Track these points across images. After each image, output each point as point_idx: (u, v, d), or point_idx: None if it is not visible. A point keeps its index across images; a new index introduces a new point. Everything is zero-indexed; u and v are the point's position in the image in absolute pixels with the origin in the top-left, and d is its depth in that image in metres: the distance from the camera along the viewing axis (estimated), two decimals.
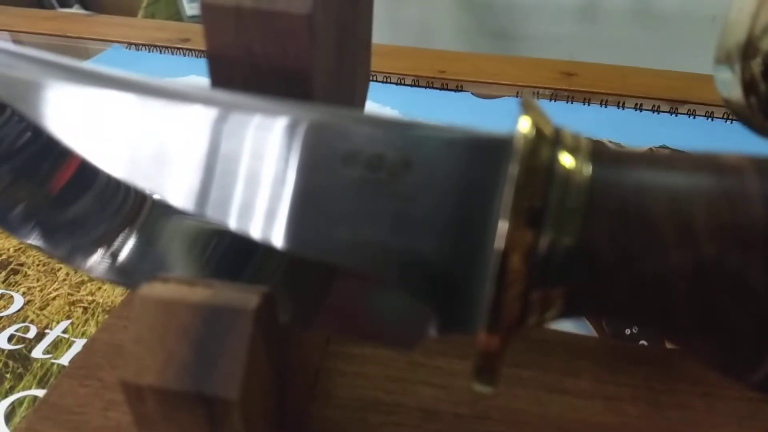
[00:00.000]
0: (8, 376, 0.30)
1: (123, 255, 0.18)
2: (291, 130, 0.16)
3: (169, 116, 0.16)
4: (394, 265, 0.15)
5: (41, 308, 0.34)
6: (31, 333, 0.32)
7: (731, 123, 0.55)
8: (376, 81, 0.63)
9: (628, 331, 0.34)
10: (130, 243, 0.18)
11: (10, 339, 0.32)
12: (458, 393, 0.25)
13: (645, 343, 0.33)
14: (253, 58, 0.18)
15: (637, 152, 0.15)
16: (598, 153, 0.14)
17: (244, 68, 0.18)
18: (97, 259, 0.18)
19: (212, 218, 0.16)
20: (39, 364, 0.30)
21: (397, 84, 0.63)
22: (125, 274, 0.17)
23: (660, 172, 0.14)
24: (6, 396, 0.29)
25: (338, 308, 0.17)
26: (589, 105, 0.59)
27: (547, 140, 0.14)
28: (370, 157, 0.15)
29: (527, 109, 0.14)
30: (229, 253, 0.18)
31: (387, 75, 0.63)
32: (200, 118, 0.16)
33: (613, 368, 0.27)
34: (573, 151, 0.14)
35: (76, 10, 1.10)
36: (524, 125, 0.14)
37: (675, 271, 0.13)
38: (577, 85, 0.61)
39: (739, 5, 0.17)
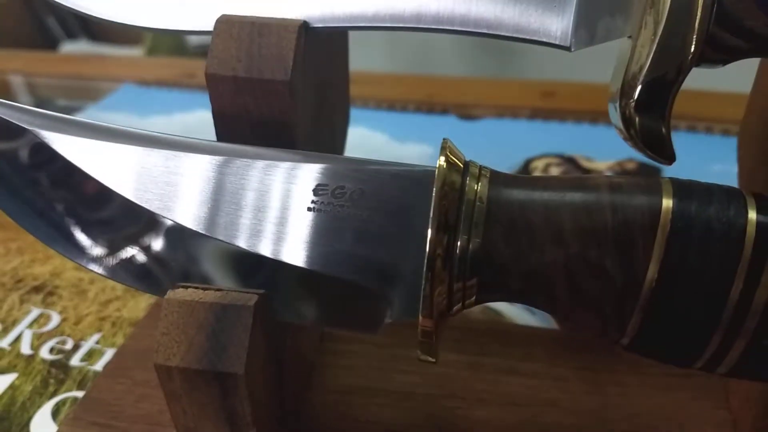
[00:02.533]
0: (51, 381, 0.35)
1: (155, 247, 0.22)
2: (275, 170, 0.21)
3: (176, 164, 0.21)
4: (358, 268, 0.20)
5: (76, 324, 0.39)
6: (69, 345, 0.37)
7: (693, 134, 0.60)
8: (368, 108, 0.68)
9: None
10: (161, 236, 0.21)
11: (50, 351, 0.37)
12: (431, 378, 0.30)
13: None
14: (248, 114, 0.23)
15: (525, 177, 0.20)
16: (495, 178, 0.19)
17: (242, 122, 0.23)
18: (133, 253, 0.22)
19: (223, 239, 0.21)
20: (77, 371, 0.35)
21: (387, 110, 0.68)
22: (161, 266, 0.22)
23: (540, 191, 0.19)
24: (51, 397, 0.34)
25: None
26: (564, 123, 0.64)
27: (459, 171, 0.19)
28: (335, 189, 0.20)
29: (445, 149, 0.19)
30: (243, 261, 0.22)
31: (379, 101, 0.69)
32: (204, 165, 0.21)
33: (562, 355, 0.31)
34: (477, 178, 0.19)
35: (85, 45, 1.14)
36: (442, 161, 0.19)
37: (552, 265, 0.18)
38: (556, 104, 0.66)
39: (619, 57, 0.22)
